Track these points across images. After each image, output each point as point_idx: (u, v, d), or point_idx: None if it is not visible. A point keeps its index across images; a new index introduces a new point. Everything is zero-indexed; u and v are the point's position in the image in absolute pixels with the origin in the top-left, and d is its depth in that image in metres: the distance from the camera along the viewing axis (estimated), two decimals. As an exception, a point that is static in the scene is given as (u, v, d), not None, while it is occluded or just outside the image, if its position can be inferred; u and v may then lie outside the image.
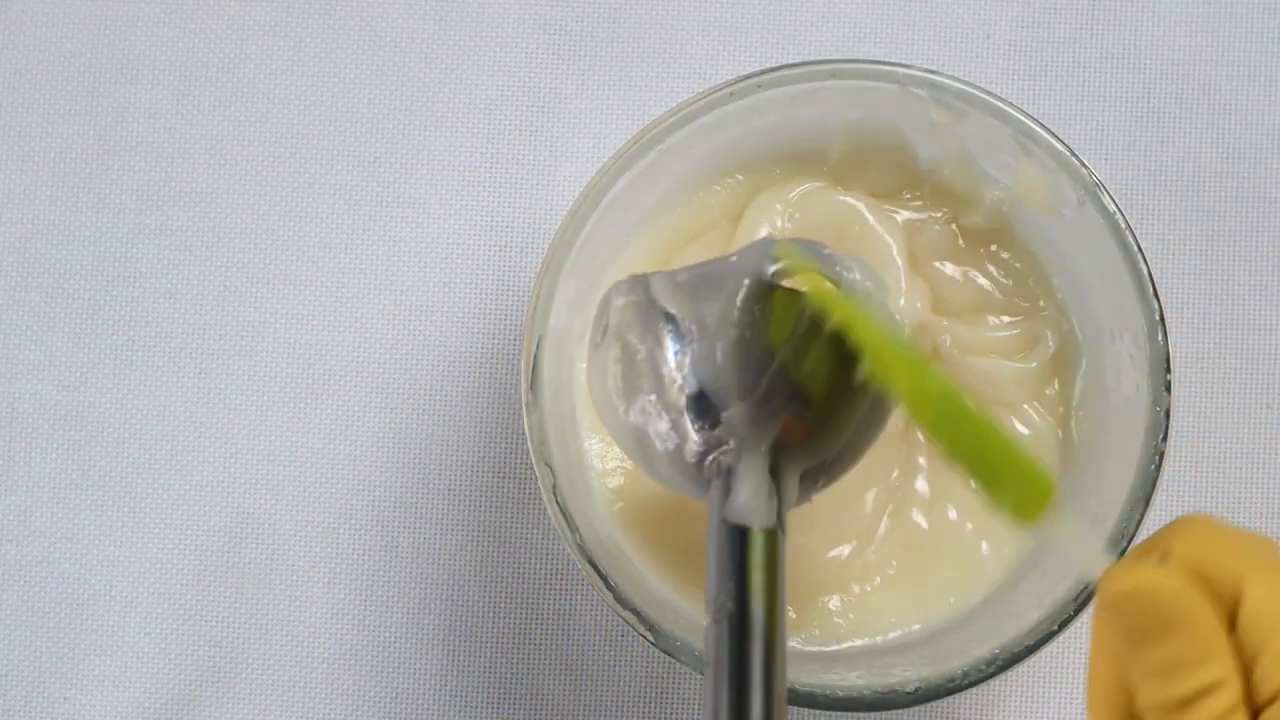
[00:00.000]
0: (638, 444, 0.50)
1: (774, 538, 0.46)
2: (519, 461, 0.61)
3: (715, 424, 0.48)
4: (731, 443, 0.48)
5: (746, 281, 0.48)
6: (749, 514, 0.46)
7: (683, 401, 0.48)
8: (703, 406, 0.48)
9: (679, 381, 0.49)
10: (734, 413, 0.48)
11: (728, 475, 0.47)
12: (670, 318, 0.49)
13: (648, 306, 0.49)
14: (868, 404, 0.49)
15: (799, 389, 0.48)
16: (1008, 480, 0.42)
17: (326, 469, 0.61)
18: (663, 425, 0.49)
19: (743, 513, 0.46)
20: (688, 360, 0.49)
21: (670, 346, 0.49)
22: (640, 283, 0.50)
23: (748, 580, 0.45)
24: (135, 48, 0.63)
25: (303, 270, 0.62)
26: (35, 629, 0.61)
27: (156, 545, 0.61)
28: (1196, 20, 0.61)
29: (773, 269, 0.49)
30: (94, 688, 0.60)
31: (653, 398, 0.49)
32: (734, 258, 0.49)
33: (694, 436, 0.48)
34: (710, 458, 0.48)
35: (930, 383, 0.43)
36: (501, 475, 0.61)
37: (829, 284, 0.47)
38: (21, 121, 0.63)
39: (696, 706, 0.59)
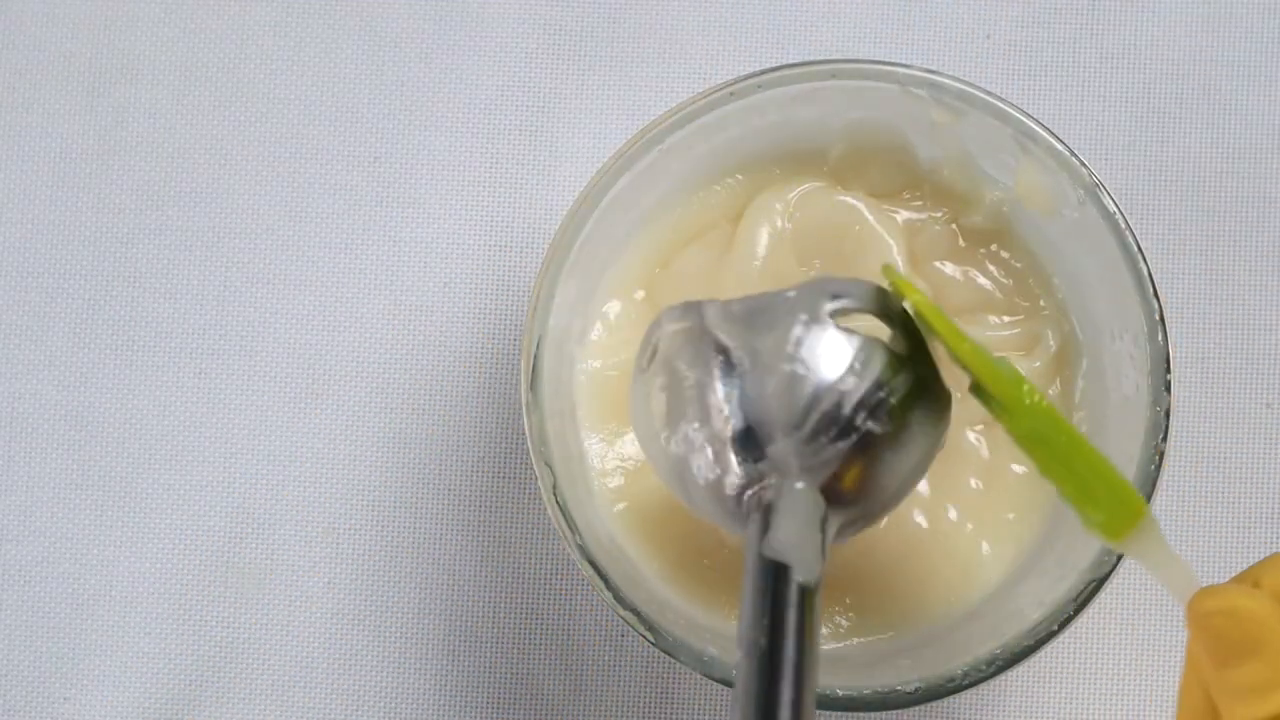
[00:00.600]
0: (676, 473, 0.49)
1: (811, 575, 0.45)
2: (519, 462, 0.61)
3: (759, 459, 0.47)
4: (773, 478, 0.47)
5: (803, 317, 0.48)
6: (789, 551, 0.45)
7: (728, 433, 0.48)
8: (748, 440, 0.47)
9: (725, 413, 0.48)
10: (779, 448, 0.47)
11: (767, 511, 0.47)
12: (723, 348, 0.48)
13: (700, 334, 0.49)
14: (921, 450, 0.48)
15: (851, 430, 0.47)
16: (1100, 498, 0.44)
17: (326, 469, 0.61)
18: (705, 456, 0.48)
19: (782, 550, 0.45)
20: (737, 392, 0.48)
21: (720, 377, 0.48)
22: (694, 310, 0.49)
23: (783, 617, 0.44)
24: (135, 48, 0.63)
25: (303, 270, 0.62)
26: (35, 629, 0.61)
27: (156, 545, 0.61)
28: (1196, 20, 0.61)
29: (830, 307, 0.48)
30: (94, 688, 0.60)
31: (696, 426, 0.48)
32: (791, 292, 0.49)
33: (736, 470, 0.48)
34: (750, 492, 0.47)
35: (1027, 397, 0.45)
36: (501, 475, 0.60)
37: (932, 302, 0.48)
38: (21, 121, 0.63)
39: (697, 707, 0.59)
